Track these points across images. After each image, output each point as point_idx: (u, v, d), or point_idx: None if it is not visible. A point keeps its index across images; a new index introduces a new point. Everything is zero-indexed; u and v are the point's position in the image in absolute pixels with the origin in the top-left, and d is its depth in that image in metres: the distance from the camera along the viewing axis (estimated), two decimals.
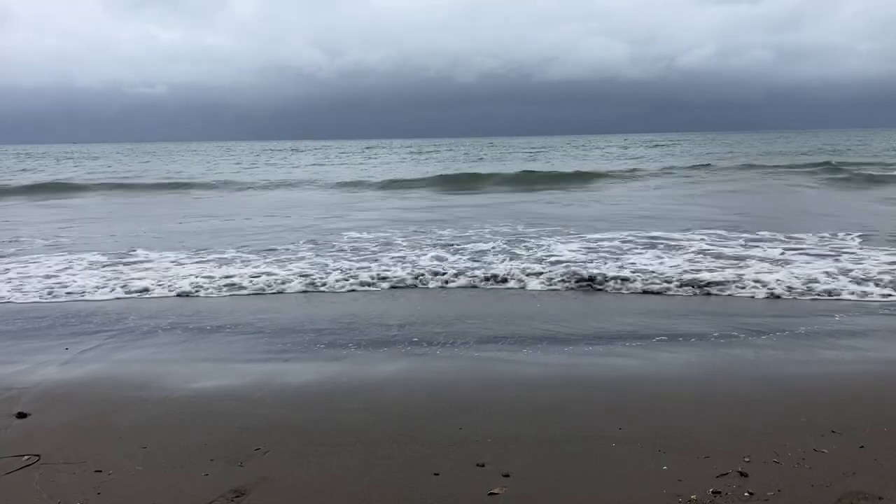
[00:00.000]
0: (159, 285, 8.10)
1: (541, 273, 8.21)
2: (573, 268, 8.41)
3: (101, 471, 3.45)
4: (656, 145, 64.67)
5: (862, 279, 7.52)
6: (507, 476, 3.30)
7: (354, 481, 3.30)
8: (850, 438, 3.62)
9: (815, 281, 7.45)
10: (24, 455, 3.64)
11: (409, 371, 4.99)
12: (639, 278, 7.78)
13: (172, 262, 9.66)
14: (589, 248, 10.05)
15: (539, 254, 9.60)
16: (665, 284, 7.54)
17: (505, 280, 8.03)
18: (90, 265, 9.53)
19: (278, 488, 3.25)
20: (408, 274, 8.38)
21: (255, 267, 9.11)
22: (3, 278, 8.69)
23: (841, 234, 10.64)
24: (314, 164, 43.60)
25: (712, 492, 3.10)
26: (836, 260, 8.68)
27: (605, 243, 10.38)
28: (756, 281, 7.50)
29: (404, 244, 10.89)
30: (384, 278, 8.20)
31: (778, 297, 7.06)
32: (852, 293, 7.05)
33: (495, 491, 3.17)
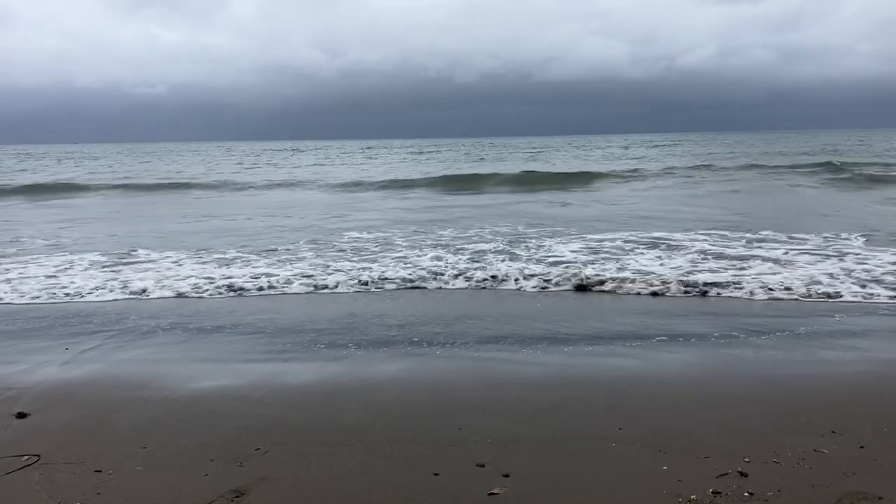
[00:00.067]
0: (160, 285, 8.10)
1: (541, 273, 8.21)
2: (573, 268, 8.41)
3: (101, 471, 3.45)
4: (657, 145, 64.63)
5: (867, 280, 7.50)
6: (507, 476, 3.30)
7: (354, 481, 3.30)
8: (850, 438, 3.62)
9: (818, 282, 7.44)
10: (24, 455, 3.64)
11: (409, 371, 4.99)
12: (639, 279, 7.78)
13: (173, 262, 9.67)
14: (590, 248, 10.05)
15: (540, 254, 9.61)
16: (665, 285, 7.54)
17: (505, 280, 8.03)
18: (91, 265, 9.53)
19: (278, 488, 3.25)
20: (408, 274, 8.38)
21: (255, 267, 9.12)
22: (4, 278, 8.69)
23: (844, 235, 10.64)
24: (314, 165, 43.60)
25: (712, 492, 3.09)
26: (841, 259, 8.68)
27: (607, 244, 10.38)
28: (757, 281, 7.50)
29: (404, 244, 10.89)
30: (384, 279, 8.20)
31: (778, 297, 7.05)
32: (856, 294, 7.01)
33: (495, 491, 3.17)
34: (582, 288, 7.65)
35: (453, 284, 8.00)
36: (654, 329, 5.91)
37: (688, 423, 3.87)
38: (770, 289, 7.22)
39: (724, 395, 4.32)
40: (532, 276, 8.11)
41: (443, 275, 8.30)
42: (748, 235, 10.88)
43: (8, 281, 8.53)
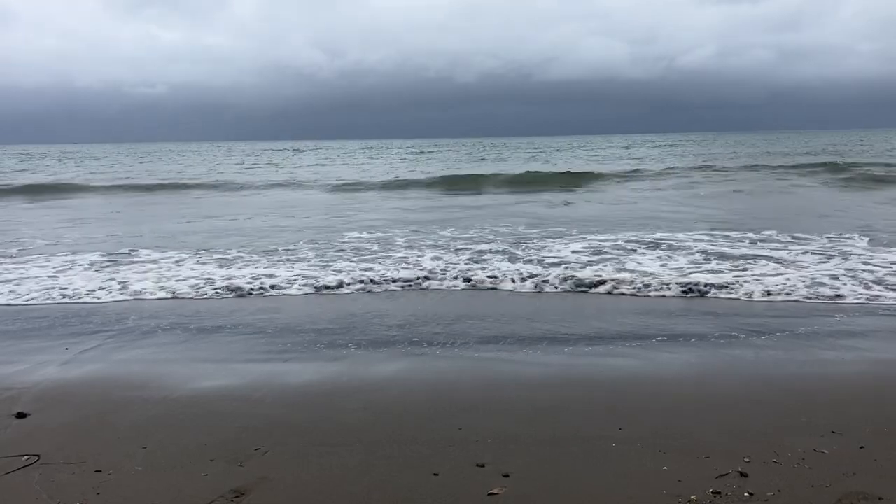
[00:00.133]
0: (160, 285, 8.10)
1: (541, 274, 8.21)
2: (574, 268, 8.41)
3: (101, 471, 3.45)
4: (658, 145, 64.64)
5: (871, 281, 7.48)
6: (507, 476, 3.30)
7: (354, 481, 3.30)
8: (850, 438, 3.62)
9: (822, 283, 7.42)
10: (24, 455, 3.64)
11: (409, 371, 4.99)
12: (640, 279, 7.78)
13: (174, 262, 9.67)
14: (591, 248, 10.05)
15: (540, 254, 9.61)
16: (666, 285, 7.54)
17: (505, 281, 8.02)
18: (91, 265, 9.53)
19: (278, 488, 3.25)
20: (408, 274, 8.38)
21: (255, 267, 9.12)
22: (4, 278, 8.69)
23: (847, 235, 10.63)
24: (315, 165, 43.60)
25: (712, 492, 3.09)
26: (845, 259, 8.67)
27: (608, 244, 10.37)
28: (758, 282, 7.50)
29: (405, 244, 10.89)
30: (385, 278, 8.19)
31: (780, 298, 7.04)
32: (859, 296, 6.98)
33: (495, 491, 3.17)
34: (582, 288, 7.65)
35: (453, 285, 8.00)
36: (654, 329, 5.91)
37: (688, 423, 3.87)
38: (771, 289, 7.21)
39: (724, 395, 4.32)
40: (532, 276, 8.11)
41: (443, 275, 8.30)
42: (751, 235, 10.87)
43: (8, 281, 8.52)
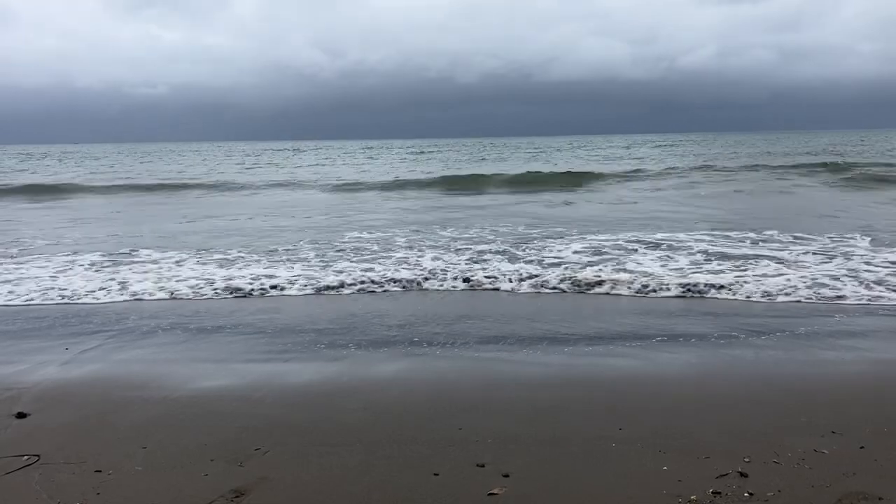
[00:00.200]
0: (160, 285, 8.10)
1: (541, 274, 8.21)
2: (574, 269, 8.41)
3: (101, 471, 3.45)
4: (658, 145, 64.63)
5: (872, 282, 7.46)
6: (507, 476, 3.30)
7: (354, 481, 3.30)
8: (850, 438, 3.62)
9: (823, 284, 7.41)
10: (24, 455, 3.64)
11: (409, 371, 4.99)
12: (640, 279, 7.78)
13: (174, 262, 9.67)
14: (591, 248, 10.05)
15: (541, 255, 9.61)
16: (666, 285, 7.53)
17: (505, 281, 8.02)
18: (91, 265, 9.54)
19: (278, 488, 3.25)
20: (408, 274, 8.38)
21: (256, 267, 9.12)
22: (5, 278, 8.70)
23: (849, 235, 10.62)
24: (316, 165, 43.61)
25: (712, 492, 3.09)
26: (848, 259, 8.66)
27: (608, 244, 10.37)
28: (759, 282, 7.49)
29: (405, 245, 10.89)
30: (385, 279, 8.19)
31: (780, 298, 7.04)
32: (861, 297, 6.95)
33: (495, 491, 3.16)
34: (582, 288, 7.64)
35: (453, 285, 7.99)
36: (654, 329, 5.91)
37: (688, 423, 3.87)
38: (772, 290, 7.21)
39: (724, 395, 4.32)
40: (532, 276, 8.11)
41: (443, 275, 8.29)
42: (752, 235, 10.88)
43: (8, 281, 8.53)
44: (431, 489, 3.21)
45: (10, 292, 7.94)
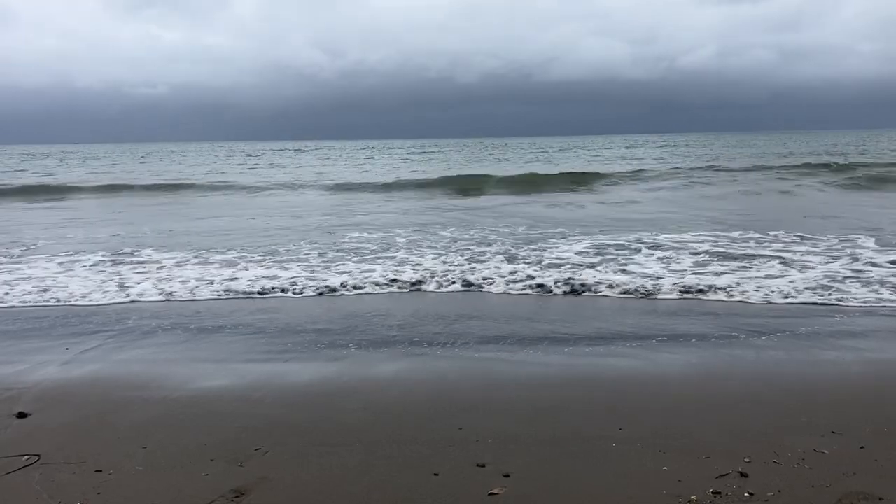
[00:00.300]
0: (161, 285, 8.11)
1: (541, 274, 8.20)
2: (575, 269, 8.41)
3: (101, 471, 3.45)
4: (660, 146, 64.60)
5: (878, 283, 7.44)
6: (507, 476, 3.30)
7: (354, 481, 3.30)
8: (850, 438, 3.62)
9: (826, 286, 7.38)
10: (24, 455, 3.65)
11: (410, 371, 4.99)
12: (640, 280, 7.77)
13: (175, 262, 9.68)
14: (593, 249, 10.05)
15: (541, 255, 9.60)
16: (667, 286, 7.53)
17: (505, 281, 8.01)
18: (92, 265, 9.54)
19: (278, 488, 3.25)
20: (409, 275, 8.38)
21: (257, 267, 9.12)
22: (5, 279, 8.70)
23: (853, 236, 10.61)
24: (316, 165, 43.61)
25: (712, 492, 3.09)
26: (854, 259, 8.65)
27: (610, 245, 10.37)
28: (761, 282, 7.48)
29: (406, 245, 10.89)
30: (385, 279, 8.19)
31: (780, 298, 7.03)
32: (866, 298, 6.91)
33: (495, 491, 3.16)
34: (582, 289, 7.64)
35: (454, 285, 7.99)
36: (654, 329, 5.91)
37: (688, 423, 3.87)
38: (774, 290, 7.20)
39: (724, 395, 4.32)
40: (532, 276, 8.11)
41: (444, 275, 8.29)
42: (755, 236, 10.87)
43: (9, 281, 8.53)
44: (431, 489, 3.21)
45: (10, 292, 7.94)
